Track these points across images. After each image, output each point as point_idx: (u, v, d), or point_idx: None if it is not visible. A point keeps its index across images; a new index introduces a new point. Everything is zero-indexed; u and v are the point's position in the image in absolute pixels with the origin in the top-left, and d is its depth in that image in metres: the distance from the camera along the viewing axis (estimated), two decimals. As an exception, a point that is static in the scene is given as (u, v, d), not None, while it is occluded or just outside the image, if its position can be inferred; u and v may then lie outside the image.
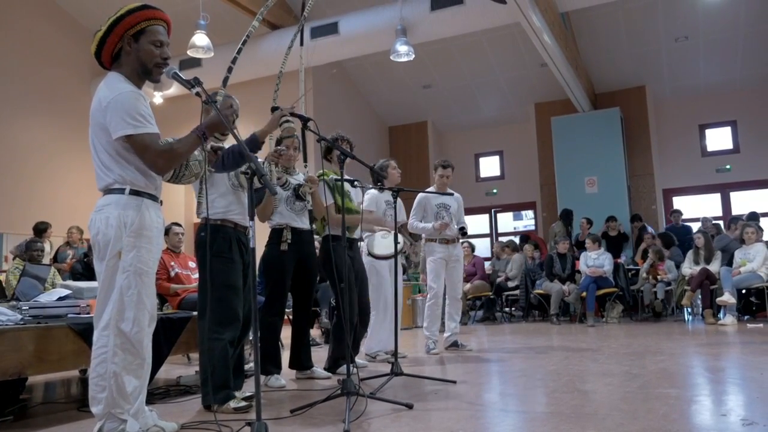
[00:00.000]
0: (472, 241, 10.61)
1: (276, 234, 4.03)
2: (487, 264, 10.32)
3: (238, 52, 3.52)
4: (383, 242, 4.99)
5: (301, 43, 4.23)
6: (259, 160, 3.25)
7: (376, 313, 5.00)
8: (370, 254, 4.97)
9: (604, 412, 2.82)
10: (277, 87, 3.97)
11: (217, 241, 3.27)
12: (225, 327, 3.18)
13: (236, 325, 3.24)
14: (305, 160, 4.20)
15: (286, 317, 4.38)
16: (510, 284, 9.59)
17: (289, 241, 3.97)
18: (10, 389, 3.53)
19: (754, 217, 9.07)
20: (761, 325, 7.23)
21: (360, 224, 4.52)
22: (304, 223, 4.16)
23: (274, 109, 3.21)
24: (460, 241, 5.77)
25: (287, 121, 3.17)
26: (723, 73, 11.32)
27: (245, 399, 3.18)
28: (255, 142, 3.17)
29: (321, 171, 4.48)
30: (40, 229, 8.01)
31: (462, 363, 4.77)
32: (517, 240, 11.22)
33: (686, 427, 2.53)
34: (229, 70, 3.54)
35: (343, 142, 4.56)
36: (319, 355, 4.90)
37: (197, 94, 2.50)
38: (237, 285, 3.27)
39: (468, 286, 9.27)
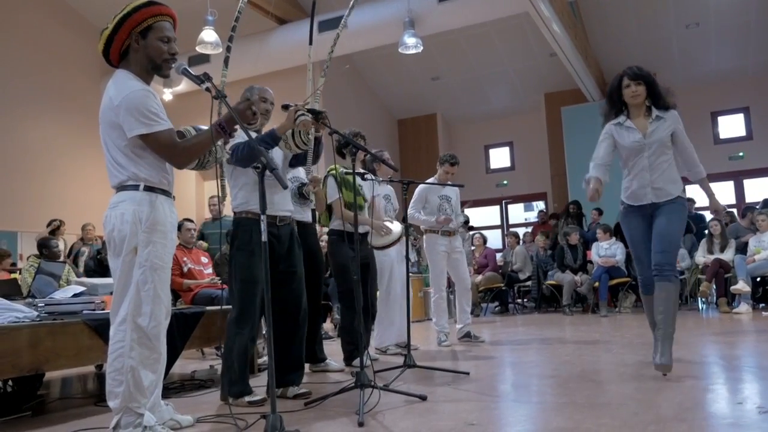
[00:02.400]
0: (483, 232, 10.58)
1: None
2: (498, 255, 10.31)
3: (233, 30, 3.51)
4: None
5: (310, 42, 4.21)
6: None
7: (387, 307, 5.01)
8: (374, 247, 4.99)
9: (618, 402, 2.81)
10: (318, 83, 3.89)
11: (239, 234, 3.24)
12: (245, 322, 3.16)
13: (256, 319, 3.21)
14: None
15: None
16: (521, 276, 9.58)
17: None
18: (27, 385, 3.59)
19: (767, 204, 8.99)
20: (776, 313, 7.18)
21: (371, 225, 4.56)
22: (307, 217, 4.16)
23: (285, 106, 3.20)
24: (472, 233, 5.76)
25: (302, 114, 3.17)
26: (735, 59, 11.20)
27: (299, 395, 3.22)
28: (274, 137, 3.16)
29: (333, 165, 4.48)
30: (54, 227, 8.07)
31: (475, 354, 4.78)
32: (529, 230, 11.19)
33: (701, 415, 2.53)
34: (228, 49, 3.54)
35: (357, 137, 4.56)
36: (332, 348, 4.92)
37: (207, 89, 2.50)
38: (260, 279, 3.15)
39: (480, 277, 9.27)
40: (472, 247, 9.80)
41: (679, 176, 3.54)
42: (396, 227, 4.88)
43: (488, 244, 10.02)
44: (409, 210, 5.53)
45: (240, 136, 3.11)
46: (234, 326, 3.17)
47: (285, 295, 3.31)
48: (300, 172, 4.16)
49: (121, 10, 2.51)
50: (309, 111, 3.17)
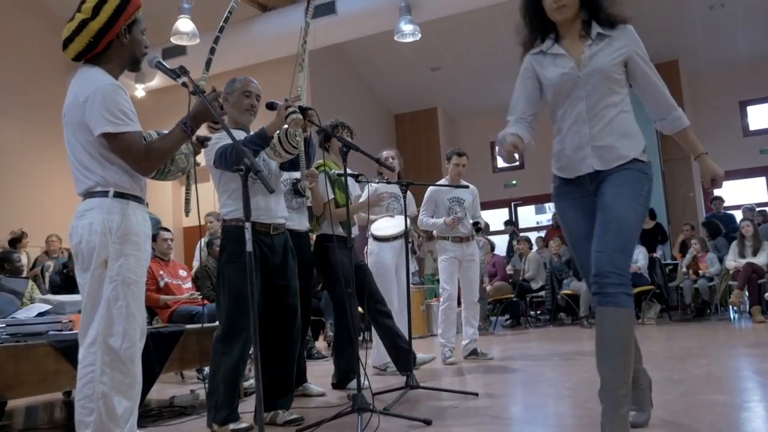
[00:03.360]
0: (491, 238, 10.58)
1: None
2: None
3: (220, 31, 3.50)
4: (387, 223, 5.00)
5: (306, 25, 4.15)
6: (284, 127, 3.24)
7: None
8: (375, 238, 4.98)
9: (643, 423, 2.81)
10: (297, 79, 3.85)
11: (229, 244, 3.23)
12: (233, 341, 3.14)
13: (245, 337, 3.14)
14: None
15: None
16: (534, 285, 9.57)
17: None
18: (-12, 415, 3.57)
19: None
20: (816, 322, 7.20)
21: (353, 216, 4.54)
22: (301, 224, 4.15)
23: (270, 105, 3.18)
24: (476, 238, 5.76)
25: (294, 112, 3.16)
26: (765, 43, 11.23)
27: (290, 422, 3.21)
28: (263, 137, 3.14)
29: (320, 161, 4.48)
30: (16, 239, 8.05)
31: (483, 373, 4.77)
32: (542, 234, 11.19)
33: (736, 437, 2.53)
34: (212, 51, 3.51)
35: (343, 129, 4.55)
36: (324, 368, 4.90)
37: (184, 84, 2.50)
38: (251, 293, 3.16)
39: (488, 288, 9.27)
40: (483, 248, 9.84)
41: (637, 129, 2.56)
42: (398, 221, 4.89)
43: (498, 251, 10.04)
44: (419, 215, 5.55)
45: (222, 138, 3.10)
46: (221, 345, 3.15)
47: (278, 310, 3.31)
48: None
49: (99, 0, 2.48)
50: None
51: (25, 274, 7.16)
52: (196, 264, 7.45)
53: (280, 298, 3.31)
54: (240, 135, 3.19)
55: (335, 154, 4.62)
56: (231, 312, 3.15)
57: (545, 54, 2.60)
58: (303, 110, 3.19)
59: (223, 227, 3.31)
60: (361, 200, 4.81)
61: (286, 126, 3.24)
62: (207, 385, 3.23)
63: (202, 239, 6.18)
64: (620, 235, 2.36)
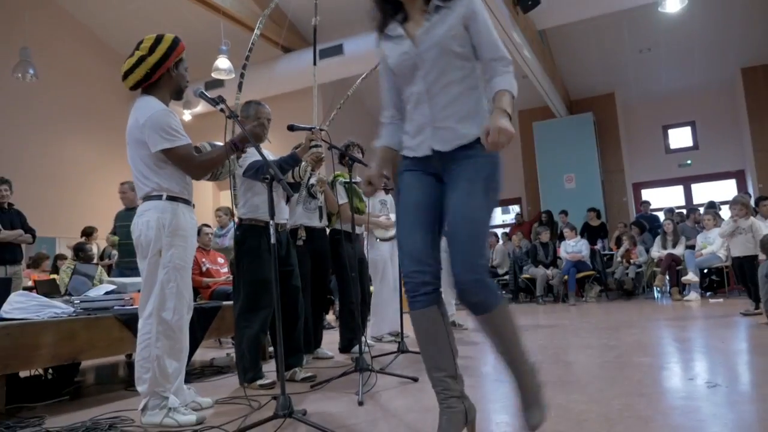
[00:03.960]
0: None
1: (292, 233, 4.03)
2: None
3: (247, 59, 3.51)
4: (387, 229, 5.03)
5: (315, 62, 4.18)
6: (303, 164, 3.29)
7: (381, 300, 4.99)
8: (379, 239, 4.98)
9: (585, 380, 2.82)
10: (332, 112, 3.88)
11: (247, 240, 3.21)
12: (253, 317, 3.14)
13: (264, 314, 3.16)
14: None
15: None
16: (500, 271, 9.60)
17: (303, 238, 3.96)
18: (65, 373, 3.57)
19: (712, 205, 9.04)
20: (721, 300, 7.23)
21: (367, 223, 4.57)
22: (316, 222, 4.15)
23: (291, 127, 3.16)
24: None
25: (316, 145, 3.16)
26: (682, 78, 11.27)
27: (305, 378, 3.20)
28: (295, 159, 3.19)
29: (337, 173, 4.53)
30: (88, 233, 8.03)
31: (460, 340, 4.77)
32: (507, 231, 11.21)
33: (658, 390, 2.54)
34: (242, 75, 3.52)
35: (354, 147, 4.56)
36: (333, 337, 4.90)
37: (221, 110, 2.51)
38: (266, 279, 3.12)
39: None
40: None
41: (484, 108, 1.85)
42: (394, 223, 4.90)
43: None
44: None
45: (252, 154, 3.10)
46: (242, 320, 3.16)
47: (285, 290, 3.32)
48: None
49: (155, 41, 2.50)
50: (306, 129, 3.18)
51: (95, 261, 7.14)
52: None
53: (287, 280, 3.31)
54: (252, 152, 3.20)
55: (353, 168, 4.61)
56: (250, 293, 3.14)
57: (389, 38, 1.92)
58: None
59: (242, 224, 3.26)
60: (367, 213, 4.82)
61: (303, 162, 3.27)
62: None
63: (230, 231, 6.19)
64: (476, 240, 1.74)
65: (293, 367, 3.29)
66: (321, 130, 3.22)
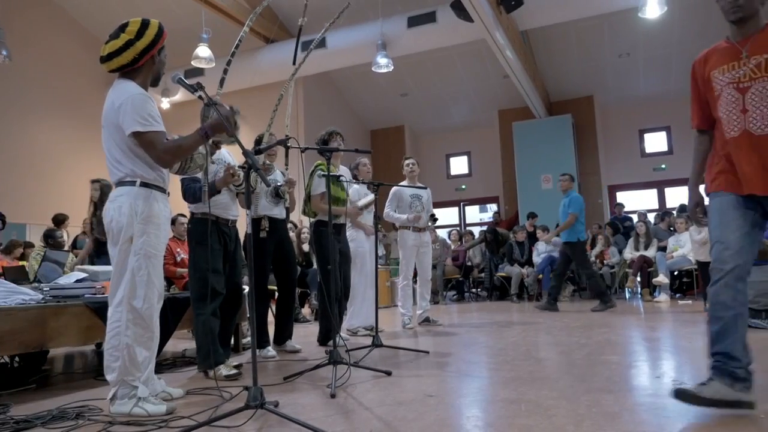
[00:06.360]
0: (445, 230, 10.65)
1: (256, 223, 3.98)
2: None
3: (232, 55, 3.45)
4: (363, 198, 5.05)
5: (294, 62, 4.17)
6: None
7: (357, 294, 4.99)
8: (359, 207, 4.95)
9: (556, 376, 2.86)
10: (271, 121, 3.88)
11: (198, 231, 3.32)
12: (204, 302, 3.18)
13: (215, 299, 3.24)
14: (286, 165, 4.15)
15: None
16: (477, 269, 9.67)
17: (267, 229, 3.94)
18: (33, 361, 3.49)
19: (684, 209, 9.22)
20: (690, 301, 7.38)
21: (345, 214, 4.56)
22: (280, 214, 4.08)
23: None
24: (430, 228, 5.78)
25: (235, 174, 3.31)
26: (659, 84, 11.47)
27: (235, 367, 3.19)
28: (212, 188, 3.28)
29: (318, 162, 4.50)
30: (59, 220, 7.85)
31: (433, 336, 4.80)
32: (483, 229, 11.27)
33: (626, 387, 2.58)
34: (225, 71, 3.47)
35: (336, 136, 4.53)
36: (310, 329, 4.88)
37: (200, 97, 2.47)
38: (216, 268, 3.28)
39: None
40: (449, 241, 9.91)
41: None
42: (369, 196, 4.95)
43: (450, 242, 10.10)
44: (385, 209, 5.54)
45: (275, 174, 3.41)
46: (195, 308, 3.24)
47: (233, 277, 3.47)
48: (278, 175, 4.14)
49: (142, 25, 2.45)
50: (280, 144, 3.28)
51: (66, 248, 6.98)
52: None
53: (229, 275, 3.43)
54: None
55: (334, 157, 4.56)
56: (202, 281, 3.21)
57: None
58: (283, 142, 3.26)
59: (195, 218, 3.39)
60: (349, 203, 4.78)
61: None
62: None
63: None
64: None
65: (219, 364, 3.15)
66: (286, 140, 3.33)
